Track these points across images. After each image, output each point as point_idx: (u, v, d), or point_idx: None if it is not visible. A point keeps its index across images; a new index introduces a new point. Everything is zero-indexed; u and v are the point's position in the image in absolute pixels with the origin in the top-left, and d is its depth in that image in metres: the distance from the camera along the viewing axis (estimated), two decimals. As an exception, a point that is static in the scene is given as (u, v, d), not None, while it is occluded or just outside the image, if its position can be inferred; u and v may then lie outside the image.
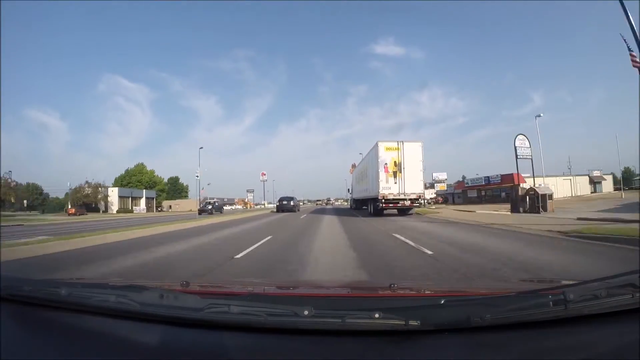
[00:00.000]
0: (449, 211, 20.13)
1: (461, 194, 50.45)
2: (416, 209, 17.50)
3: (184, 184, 79.56)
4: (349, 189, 36.03)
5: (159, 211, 60.50)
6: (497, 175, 41.91)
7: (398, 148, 15.87)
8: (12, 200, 43.87)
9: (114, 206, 54.18)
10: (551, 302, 0.81)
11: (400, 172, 15.64)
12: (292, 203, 28.02)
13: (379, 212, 16.24)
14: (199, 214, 28.56)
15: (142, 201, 61.62)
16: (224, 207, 43.68)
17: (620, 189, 40.30)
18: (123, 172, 68.36)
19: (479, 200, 44.03)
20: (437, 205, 33.47)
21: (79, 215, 40.42)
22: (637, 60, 8.71)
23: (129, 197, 58.53)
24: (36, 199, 65.63)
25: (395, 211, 17.02)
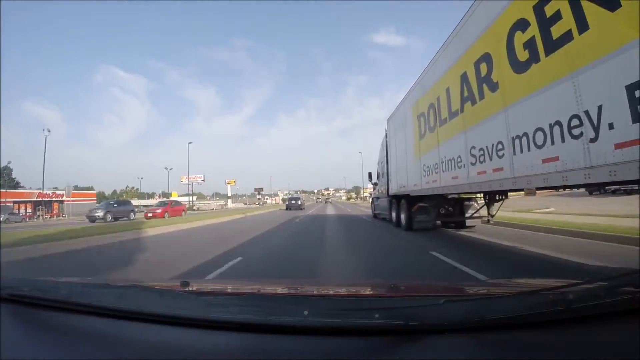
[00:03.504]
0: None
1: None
2: None
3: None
4: (370, 174, 14.70)
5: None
6: None
7: None
8: None
9: None
10: (551, 302, 0.81)
11: None
12: (299, 202, 31.41)
13: None
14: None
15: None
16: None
17: None
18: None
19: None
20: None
21: None
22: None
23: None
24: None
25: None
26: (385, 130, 11.42)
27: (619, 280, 0.86)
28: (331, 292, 1.49)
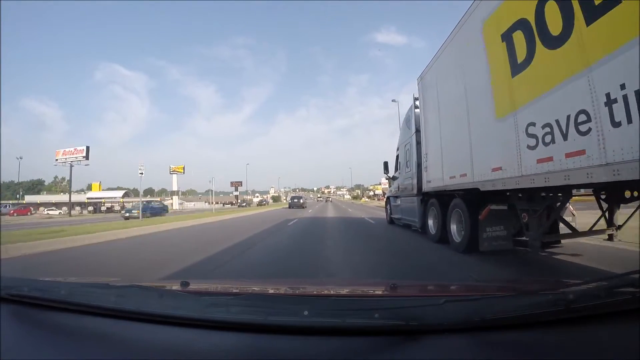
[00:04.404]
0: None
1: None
2: None
3: None
4: (387, 163, 10.53)
5: None
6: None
7: None
8: None
9: None
10: (551, 302, 0.81)
11: None
12: (301, 201, 33.52)
13: None
14: None
15: None
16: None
17: None
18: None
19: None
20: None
21: None
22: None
23: None
24: None
25: None
26: (415, 97, 7.59)
27: (618, 280, 0.86)
28: (331, 292, 1.49)
